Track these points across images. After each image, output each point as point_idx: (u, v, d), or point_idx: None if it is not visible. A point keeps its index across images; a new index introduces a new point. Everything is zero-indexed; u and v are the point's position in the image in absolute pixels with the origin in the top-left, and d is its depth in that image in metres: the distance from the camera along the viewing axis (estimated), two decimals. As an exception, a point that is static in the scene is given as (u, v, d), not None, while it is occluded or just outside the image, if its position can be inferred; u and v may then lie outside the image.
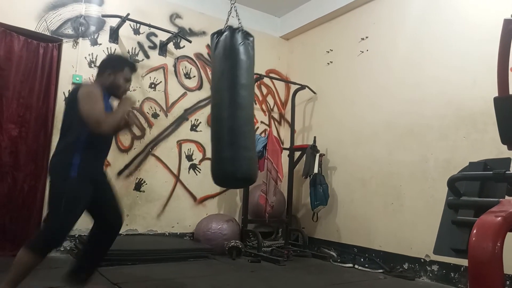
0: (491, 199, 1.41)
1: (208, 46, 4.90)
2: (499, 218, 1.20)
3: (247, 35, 2.65)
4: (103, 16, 4.16)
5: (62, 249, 3.76)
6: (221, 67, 2.59)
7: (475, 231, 1.20)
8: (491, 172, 1.47)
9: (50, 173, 2.38)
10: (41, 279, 2.76)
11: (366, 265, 3.90)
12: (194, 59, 4.81)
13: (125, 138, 4.24)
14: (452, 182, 1.54)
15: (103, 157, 2.53)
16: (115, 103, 2.50)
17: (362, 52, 4.45)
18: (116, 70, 2.44)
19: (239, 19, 2.80)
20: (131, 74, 2.53)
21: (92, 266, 2.53)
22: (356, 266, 3.91)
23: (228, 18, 2.82)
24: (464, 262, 2.99)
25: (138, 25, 4.37)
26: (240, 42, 2.58)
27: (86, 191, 2.30)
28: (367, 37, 4.43)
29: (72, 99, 2.31)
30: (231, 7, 2.92)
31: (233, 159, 2.41)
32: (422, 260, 3.55)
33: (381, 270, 3.74)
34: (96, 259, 2.54)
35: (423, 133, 3.71)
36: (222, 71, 2.56)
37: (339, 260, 4.16)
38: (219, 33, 2.64)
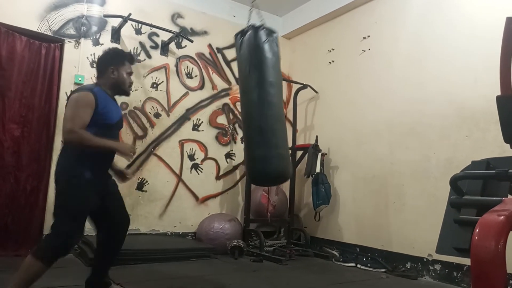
0: (494, 198, 1.41)
1: (209, 45, 4.91)
2: (502, 217, 1.19)
3: (270, 32, 2.62)
4: (105, 16, 4.17)
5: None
6: (247, 66, 2.56)
7: (477, 230, 1.20)
8: (494, 171, 1.47)
9: (56, 176, 2.29)
10: (44, 279, 2.76)
11: (369, 265, 3.89)
12: (196, 58, 4.81)
13: (127, 138, 4.25)
14: (455, 181, 1.53)
15: (110, 161, 2.44)
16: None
17: (364, 51, 4.44)
18: (118, 65, 2.38)
19: (261, 17, 2.84)
20: (131, 65, 2.48)
21: (106, 270, 2.51)
22: (359, 266, 3.91)
23: (250, 17, 2.83)
24: (466, 261, 2.98)
25: (139, 25, 4.37)
26: (264, 40, 2.55)
27: (92, 195, 2.26)
28: (369, 36, 4.42)
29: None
30: (251, 7, 2.92)
31: (265, 158, 2.42)
32: (425, 260, 3.54)
33: (383, 270, 3.73)
34: (108, 263, 2.51)
35: (425, 132, 3.70)
36: (248, 71, 2.54)
37: (341, 260, 4.15)
38: (242, 33, 2.62)
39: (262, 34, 2.58)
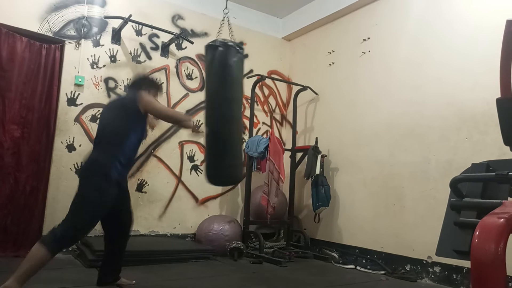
0: (494, 201, 1.41)
1: (210, 47, 4.91)
2: (502, 219, 1.19)
3: (238, 48, 2.80)
4: (105, 17, 4.17)
5: (64, 250, 3.77)
6: (213, 82, 2.80)
7: (477, 232, 1.20)
8: (494, 174, 1.47)
9: (86, 173, 2.47)
10: (43, 281, 2.76)
11: (368, 267, 3.89)
12: (196, 60, 4.82)
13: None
14: (455, 183, 1.53)
15: (132, 165, 2.76)
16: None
17: (364, 53, 4.45)
18: (150, 91, 2.78)
19: (231, 30, 3.07)
20: (159, 94, 2.92)
21: (118, 267, 2.74)
22: (358, 268, 3.90)
23: (220, 28, 3.08)
24: (466, 263, 2.99)
25: (140, 26, 4.38)
26: (232, 59, 2.75)
27: (114, 195, 2.46)
28: (369, 38, 4.42)
29: (123, 106, 2.65)
30: (224, 17, 3.14)
31: (223, 166, 2.74)
32: (424, 262, 3.54)
33: (383, 272, 3.73)
34: (119, 258, 2.75)
35: (424, 134, 3.70)
36: (214, 86, 2.79)
37: (340, 262, 4.15)
38: (212, 46, 2.78)
39: (231, 52, 2.76)
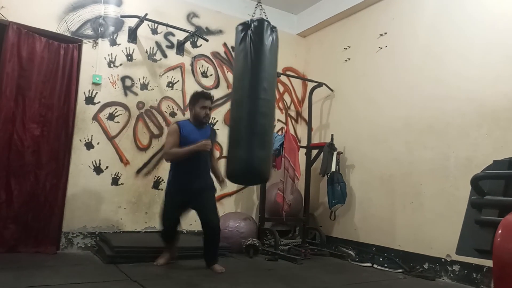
0: (517, 199, 1.38)
1: (224, 44, 4.92)
2: (526, 218, 1.16)
3: (272, 28, 2.82)
4: (122, 16, 4.22)
5: (83, 246, 3.85)
6: (244, 65, 2.77)
7: (500, 231, 1.17)
8: (517, 171, 1.43)
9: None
10: (63, 276, 2.82)
11: (385, 265, 3.85)
12: (211, 58, 4.83)
13: (143, 137, 4.29)
14: (476, 181, 1.50)
15: (192, 171, 3.25)
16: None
17: (381, 48, 4.39)
18: (194, 103, 3.31)
19: (264, 14, 3.08)
20: (205, 101, 3.29)
21: (206, 254, 3.38)
22: (375, 266, 3.87)
23: (254, 13, 3.06)
24: (486, 262, 2.93)
25: (155, 25, 4.41)
26: (266, 37, 2.76)
27: (173, 198, 3.36)
28: (386, 33, 4.36)
29: None
30: (257, 4, 3.16)
31: (260, 159, 2.78)
32: (443, 260, 3.49)
33: (400, 270, 3.69)
34: (206, 249, 3.38)
35: (443, 130, 3.63)
36: (244, 69, 2.77)
37: (357, 260, 4.12)
38: (244, 25, 2.75)
39: (264, 30, 2.73)
